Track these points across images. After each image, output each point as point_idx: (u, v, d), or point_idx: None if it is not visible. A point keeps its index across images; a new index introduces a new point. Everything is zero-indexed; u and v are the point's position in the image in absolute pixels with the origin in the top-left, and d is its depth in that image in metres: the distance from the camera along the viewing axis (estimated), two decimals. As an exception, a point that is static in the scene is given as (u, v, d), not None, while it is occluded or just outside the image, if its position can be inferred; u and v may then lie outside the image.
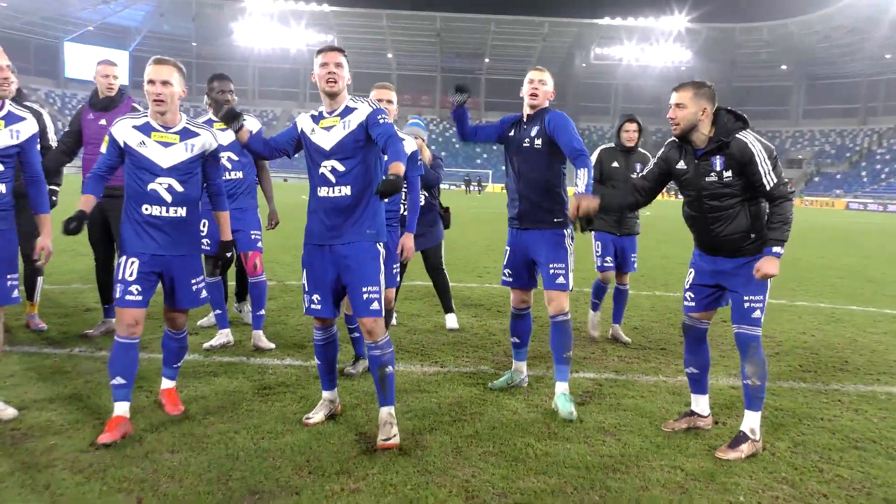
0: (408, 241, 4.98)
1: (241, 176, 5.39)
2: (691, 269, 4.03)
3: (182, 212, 3.71)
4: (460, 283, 9.01)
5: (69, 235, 3.52)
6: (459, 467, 3.41)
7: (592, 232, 5.80)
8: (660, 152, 4.01)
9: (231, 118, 3.82)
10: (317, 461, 3.40)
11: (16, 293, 3.84)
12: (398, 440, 3.59)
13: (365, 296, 3.66)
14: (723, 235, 3.73)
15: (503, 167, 4.60)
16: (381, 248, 3.78)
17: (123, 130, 3.69)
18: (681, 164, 3.84)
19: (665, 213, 29.38)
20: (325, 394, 4.01)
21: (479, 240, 15.65)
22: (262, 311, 5.55)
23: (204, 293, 3.92)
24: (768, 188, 3.59)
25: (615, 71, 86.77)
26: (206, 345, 5.36)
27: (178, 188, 3.69)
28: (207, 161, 3.85)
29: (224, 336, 5.47)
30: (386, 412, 3.69)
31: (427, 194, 6.36)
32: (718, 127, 3.69)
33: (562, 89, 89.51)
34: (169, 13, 77.13)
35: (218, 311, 5.51)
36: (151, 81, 3.63)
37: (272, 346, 5.42)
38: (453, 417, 4.11)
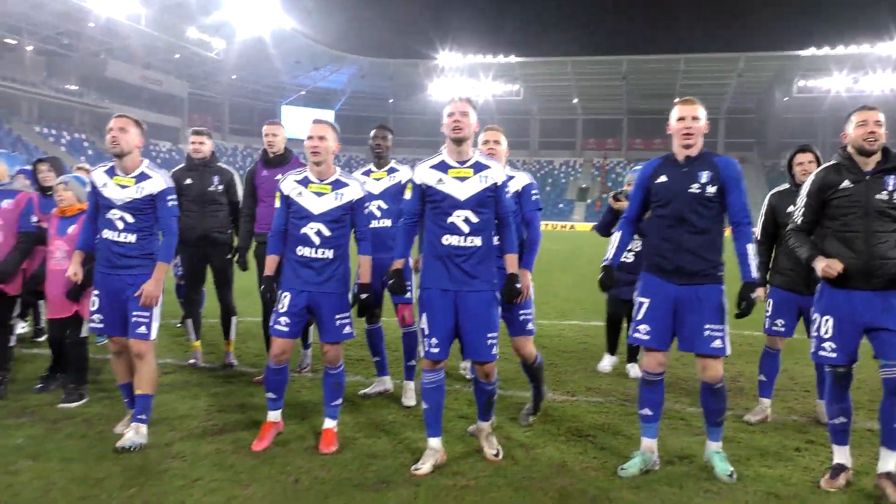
0: (525, 279, 4.49)
1: (389, 224, 5.26)
2: (826, 317, 3.80)
3: (329, 254, 4.20)
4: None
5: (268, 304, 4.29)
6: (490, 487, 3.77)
7: (768, 287, 5.05)
8: (808, 188, 3.95)
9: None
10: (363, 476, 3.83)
11: (142, 329, 4.29)
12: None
13: (489, 342, 3.96)
14: (886, 258, 3.66)
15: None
16: (497, 294, 4.03)
17: (287, 184, 4.28)
18: (845, 184, 3.80)
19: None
20: (432, 442, 4.00)
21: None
22: (413, 362, 5.33)
23: (348, 329, 4.29)
24: None
25: (822, 103, 79.77)
26: (360, 392, 5.48)
27: (326, 232, 4.19)
28: (354, 209, 4.30)
29: (381, 384, 5.53)
30: (486, 424, 4.24)
31: None
32: (890, 153, 3.82)
33: (761, 126, 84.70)
34: (369, 75, 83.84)
35: (377, 359, 5.53)
36: (310, 137, 4.21)
37: (413, 403, 5.19)
38: (556, 432, 4.55)
